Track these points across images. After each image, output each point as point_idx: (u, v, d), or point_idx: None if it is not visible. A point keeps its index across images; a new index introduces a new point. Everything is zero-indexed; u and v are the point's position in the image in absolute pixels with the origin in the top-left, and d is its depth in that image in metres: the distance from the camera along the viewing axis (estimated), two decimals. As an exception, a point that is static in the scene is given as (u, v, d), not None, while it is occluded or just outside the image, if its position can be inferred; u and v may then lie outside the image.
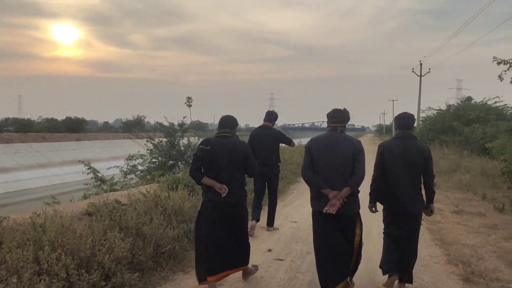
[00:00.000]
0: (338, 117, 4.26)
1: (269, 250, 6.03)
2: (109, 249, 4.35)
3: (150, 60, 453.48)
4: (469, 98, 36.48)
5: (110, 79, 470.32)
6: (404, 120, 4.57)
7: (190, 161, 18.35)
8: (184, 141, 25.21)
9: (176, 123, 27.18)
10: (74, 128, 47.99)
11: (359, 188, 4.19)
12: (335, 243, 4.12)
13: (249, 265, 4.76)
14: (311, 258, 5.33)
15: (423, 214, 4.65)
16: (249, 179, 6.13)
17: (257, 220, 6.84)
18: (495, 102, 26.16)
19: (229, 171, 4.36)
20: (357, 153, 4.11)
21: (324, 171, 4.11)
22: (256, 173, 4.85)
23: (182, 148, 24.53)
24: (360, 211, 4.30)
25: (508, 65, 8.76)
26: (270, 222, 7.06)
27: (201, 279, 4.37)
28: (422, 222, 7.47)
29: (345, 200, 4.04)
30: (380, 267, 4.65)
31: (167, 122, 27.64)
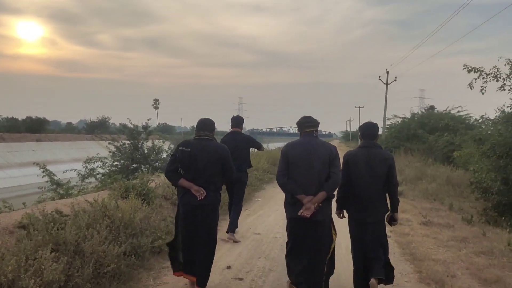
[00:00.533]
0: (311, 121, 4.30)
1: (228, 267, 5.50)
2: (37, 271, 3.68)
3: (117, 60, 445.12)
4: (432, 107, 37.05)
5: (75, 79, 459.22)
6: (368, 130, 4.61)
7: (155, 164, 17.22)
8: (149, 143, 24.42)
9: (140, 125, 26.36)
10: (35, 128, 46.10)
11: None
12: (307, 249, 4.13)
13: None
14: (274, 277, 5.24)
15: (392, 225, 4.75)
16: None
17: (233, 232, 6.72)
18: (458, 111, 26.51)
19: (207, 174, 4.34)
20: (334, 158, 4.14)
21: (300, 176, 4.12)
22: (233, 176, 4.79)
23: (146, 151, 23.75)
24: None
25: (479, 73, 8.50)
26: (232, 227, 6.77)
27: (175, 270, 4.53)
28: (391, 234, 7.18)
29: (320, 204, 4.04)
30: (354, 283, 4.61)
31: (131, 124, 26.66)
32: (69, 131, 60.38)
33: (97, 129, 53.07)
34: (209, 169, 4.35)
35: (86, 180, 16.96)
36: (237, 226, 6.89)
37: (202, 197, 4.26)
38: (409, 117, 29.92)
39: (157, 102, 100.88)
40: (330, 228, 4.30)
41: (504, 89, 8.34)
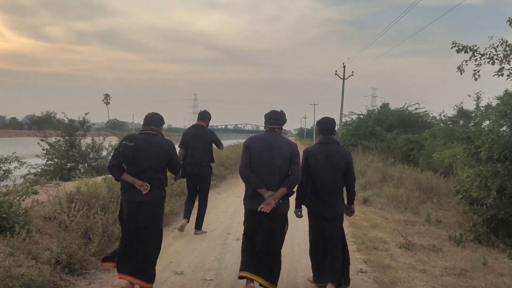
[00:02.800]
0: (277, 118, 4.27)
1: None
2: None
3: (68, 54, 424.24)
4: (386, 105, 35.76)
5: (23, 73, 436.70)
6: (326, 125, 4.59)
7: (94, 164, 16.65)
8: (88, 140, 21.66)
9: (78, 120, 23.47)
10: (-30, 123, 41.77)
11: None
12: (262, 242, 4.13)
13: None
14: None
15: (350, 216, 4.85)
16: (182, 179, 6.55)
17: (188, 220, 6.47)
18: (416, 109, 25.14)
19: (151, 170, 4.13)
20: (294, 156, 4.17)
21: (261, 170, 4.09)
22: (179, 172, 4.87)
23: (83, 149, 21.01)
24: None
25: (471, 53, 6.54)
26: (199, 225, 6.61)
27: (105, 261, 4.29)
28: (366, 268, 5.20)
29: (281, 200, 4.05)
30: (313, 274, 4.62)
31: (66, 118, 23.71)
32: (13, 127, 56.00)
33: (42, 124, 49.20)
34: (153, 165, 4.14)
35: (1, 183, 14.07)
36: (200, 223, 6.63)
37: (147, 191, 4.04)
38: (364, 114, 28.43)
39: (108, 97, 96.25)
40: (284, 222, 4.26)
41: (503, 74, 6.42)
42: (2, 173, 13.96)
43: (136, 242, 4.10)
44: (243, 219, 4.37)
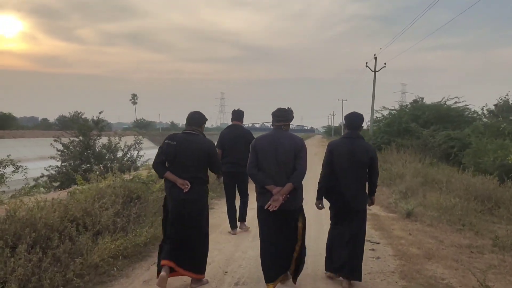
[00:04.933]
0: (282, 116, 4.23)
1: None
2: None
3: (98, 56, 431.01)
4: (419, 100, 32.96)
5: (55, 75, 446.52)
6: (353, 120, 4.56)
7: (108, 165, 12.83)
8: (103, 140, 20.22)
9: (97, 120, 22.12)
10: (-1, 124, 41.33)
11: (303, 183, 4.18)
12: (277, 238, 4.11)
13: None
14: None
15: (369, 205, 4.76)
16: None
17: (236, 231, 6.49)
18: (455, 103, 22.51)
19: (192, 168, 4.21)
20: (299, 150, 4.10)
21: (269, 168, 4.09)
22: (220, 171, 4.83)
23: (99, 150, 19.60)
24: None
25: None
26: (242, 217, 6.69)
27: (159, 271, 4.19)
28: None
29: (288, 195, 4.01)
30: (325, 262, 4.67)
31: (81, 118, 22.35)
32: (44, 128, 55.78)
33: (70, 124, 48.54)
34: (194, 164, 4.21)
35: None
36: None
37: (187, 190, 4.12)
38: (398, 109, 25.88)
39: (135, 97, 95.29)
40: (298, 217, 4.20)
41: None
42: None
43: (183, 236, 4.16)
44: None
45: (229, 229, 6.51)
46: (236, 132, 6.44)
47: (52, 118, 76.60)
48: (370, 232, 6.71)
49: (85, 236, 4.45)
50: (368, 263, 5.20)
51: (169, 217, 4.27)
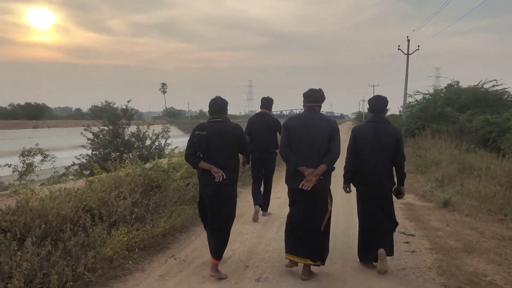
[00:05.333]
0: (313, 96, 4.17)
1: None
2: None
3: (128, 46, 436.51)
4: (453, 84, 31.56)
5: (87, 65, 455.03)
6: (376, 103, 4.48)
7: (138, 153, 13.32)
8: (132, 129, 20.30)
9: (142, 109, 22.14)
10: (34, 115, 42.25)
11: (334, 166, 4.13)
12: (306, 217, 4.08)
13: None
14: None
15: (399, 198, 4.60)
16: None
17: (260, 205, 6.45)
18: (493, 86, 21.38)
19: (224, 155, 4.21)
20: (334, 133, 4.04)
21: (301, 149, 4.04)
22: (249, 154, 5.04)
23: (128, 138, 19.70)
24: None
25: None
26: (265, 207, 6.68)
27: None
28: None
29: (321, 177, 3.97)
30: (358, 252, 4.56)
31: (108, 107, 22.46)
32: (77, 118, 56.97)
33: (101, 114, 49.37)
34: (225, 151, 4.21)
35: (28, 178, 12.65)
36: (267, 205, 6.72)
37: (221, 179, 4.12)
38: (431, 93, 24.82)
39: (165, 86, 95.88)
40: (327, 198, 4.16)
41: None
42: (26, 166, 12.42)
43: (219, 219, 4.21)
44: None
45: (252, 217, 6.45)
46: (264, 120, 6.46)
47: (85, 108, 78.20)
48: (404, 223, 6.27)
49: (100, 227, 4.21)
50: (402, 257, 4.79)
51: (205, 202, 4.34)
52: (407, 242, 5.36)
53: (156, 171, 6.02)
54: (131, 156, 20.13)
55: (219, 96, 4.41)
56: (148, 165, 6.68)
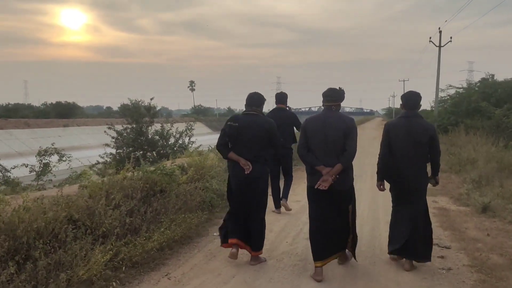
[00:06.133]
0: (332, 96, 4.12)
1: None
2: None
3: (157, 44, 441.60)
4: (488, 78, 29.87)
5: (118, 64, 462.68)
6: (410, 98, 4.37)
7: (162, 152, 14.36)
8: (156, 127, 19.96)
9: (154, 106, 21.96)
10: (64, 113, 42.79)
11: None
12: (326, 217, 4.06)
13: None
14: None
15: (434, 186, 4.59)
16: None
17: (286, 199, 6.63)
18: (533, 79, 19.93)
19: (254, 148, 4.27)
20: (349, 131, 3.99)
21: (318, 149, 4.03)
22: (279, 150, 4.78)
23: (151, 136, 19.37)
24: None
25: None
26: (285, 194, 6.67)
27: (223, 242, 4.41)
28: None
29: (337, 176, 3.94)
30: (388, 244, 4.50)
31: (131, 104, 22.08)
32: (107, 116, 57.65)
33: (129, 112, 49.75)
34: (256, 143, 4.27)
35: (45, 178, 12.32)
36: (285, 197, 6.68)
37: (249, 172, 4.18)
38: (466, 87, 23.45)
39: (193, 84, 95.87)
40: (350, 197, 4.13)
41: None
42: (43, 166, 12.11)
43: (245, 212, 4.29)
44: None
45: (274, 208, 6.50)
46: (280, 115, 6.38)
47: (115, 107, 79.27)
48: (439, 232, 5.49)
49: (80, 243, 3.63)
50: (437, 277, 4.06)
51: (233, 194, 4.41)
52: (442, 257, 4.61)
53: (158, 174, 5.43)
54: (154, 154, 19.61)
55: (257, 92, 4.50)
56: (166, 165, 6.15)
